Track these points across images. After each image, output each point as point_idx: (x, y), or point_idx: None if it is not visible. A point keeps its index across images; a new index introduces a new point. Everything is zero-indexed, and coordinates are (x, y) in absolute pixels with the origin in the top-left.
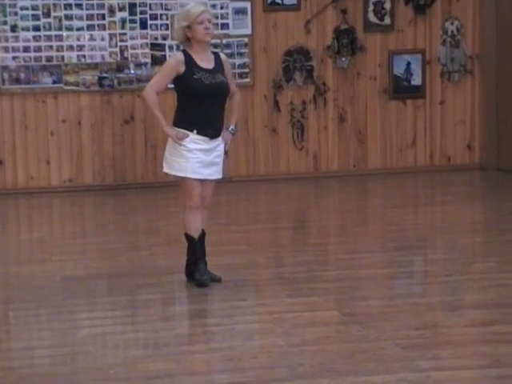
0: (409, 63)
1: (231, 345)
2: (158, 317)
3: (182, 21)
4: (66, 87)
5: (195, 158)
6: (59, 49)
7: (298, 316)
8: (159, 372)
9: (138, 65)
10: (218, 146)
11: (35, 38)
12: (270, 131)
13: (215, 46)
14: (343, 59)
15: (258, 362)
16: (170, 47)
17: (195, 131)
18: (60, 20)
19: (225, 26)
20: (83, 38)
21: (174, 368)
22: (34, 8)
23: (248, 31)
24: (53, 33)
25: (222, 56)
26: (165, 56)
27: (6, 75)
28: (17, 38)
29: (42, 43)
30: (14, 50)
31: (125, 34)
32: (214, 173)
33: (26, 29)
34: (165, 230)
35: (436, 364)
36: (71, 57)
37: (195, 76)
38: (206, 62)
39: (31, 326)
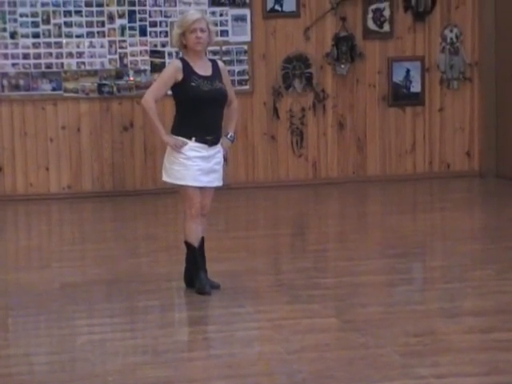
0: (408, 70)
1: (230, 352)
2: (156, 323)
3: (178, 27)
4: (66, 94)
5: (195, 165)
6: (59, 56)
7: (297, 323)
8: (158, 379)
9: (138, 72)
10: (217, 153)
11: (35, 45)
12: (269, 138)
13: (214, 52)
14: (342, 66)
15: (257, 369)
16: (170, 54)
17: (194, 139)
18: (59, 27)
19: (224, 33)
20: (83, 44)
21: (173, 375)
22: (34, 15)
23: (247, 38)
24: (52, 40)
25: (220, 63)
26: (164, 63)
27: (5, 82)
28: (16, 45)
29: (42, 50)
30: (14, 56)
31: (124, 41)
32: (214, 180)
33: (26, 36)
34: (164, 237)
35: (435, 371)
36: (71, 64)
37: (193, 83)
38: (203, 69)
39: (30, 332)
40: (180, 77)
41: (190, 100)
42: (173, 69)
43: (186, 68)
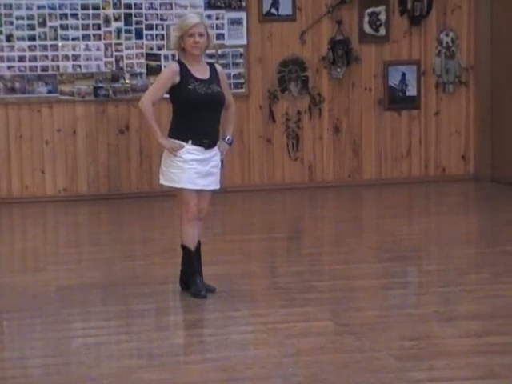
0: (404, 74)
1: (226, 355)
2: (152, 327)
3: (176, 31)
4: (61, 97)
5: (191, 168)
6: (54, 58)
7: (292, 326)
8: (153, 382)
9: (134, 75)
10: (214, 156)
11: (30, 48)
12: (265, 141)
13: (210, 56)
14: (338, 70)
15: (253, 373)
16: (166, 57)
17: (190, 141)
18: (55, 30)
19: (220, 36)
20: (78, 47)
21: (169, 378)
22: (30, 18)
23: (243, 41)
24: (48, 42)
25: (218, 67)
26: (160, 66)
27: (1, 85)
28: (12, 48)
29: (38, 53)
30: (10, 59)
31: (120, 44)
32: (211, 183)
33: (22, 38)
34: (159, 240)
35: (430, 375)
36: (66, 66)
37: (190, 86)
38: (201, 72)
39: (25, 335)
40: (177, 79)
41: (187, 103)
42: (170, 71)
43: (184, 71)
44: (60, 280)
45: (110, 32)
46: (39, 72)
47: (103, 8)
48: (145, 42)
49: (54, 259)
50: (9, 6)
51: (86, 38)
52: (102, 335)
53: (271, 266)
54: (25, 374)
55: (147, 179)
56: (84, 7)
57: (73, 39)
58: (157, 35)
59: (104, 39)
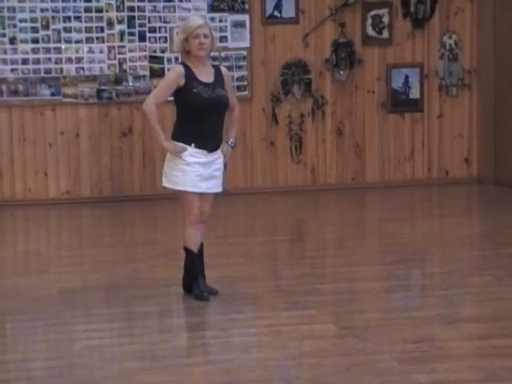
0: (407, 77)
1: (228, 357)
2: (154, 329)
3: (180, 33)
4: (65, 99)
5: (194, 171)
6: (58, 61)
7: (295, 329)
8: None
9: (137, 77)
10: (217, 159)
11: (34, 51)
12: (267, 144)
13: (214, 58)
14: (341, 72)
15: (255, 375)
16: (169, 60)
17: (193, 145)
18: (59, 32)
19: (223, 38)
20: (82, 50)
21: (171, 380)
22: (33, 20)
23: (246, 44)
24: (51, 45)
25: (223, 69)
26: (163, 69)
27: (4, 87)
28: (15, 51)
29: (41, 55)
30: (13, 62)
31: (123, 46)
32: (214, 186)
33: (25, 41)
34: (162, 242)
35: (433, 377)
36: (70, 69)
37: (194, 90)
38: (205, 75)
39: (28, 337)
40: (182, 82)
41: (191, 106)
42: (175, 74)
43: (188, 74)
44: (62, 282)
45: (113, 35)
46: (42, 74)
47: (106, 11)
48: (148, 44)
49: (56, 262)
50: (12, 9)
51: (89, 40)
52: (104, 337)
53: (274, 268)
54: (27, 377)
55: (150, 182)
56: (87, 10)
57: (76, 42)
58: (160, 38)
59: (107, 42)
